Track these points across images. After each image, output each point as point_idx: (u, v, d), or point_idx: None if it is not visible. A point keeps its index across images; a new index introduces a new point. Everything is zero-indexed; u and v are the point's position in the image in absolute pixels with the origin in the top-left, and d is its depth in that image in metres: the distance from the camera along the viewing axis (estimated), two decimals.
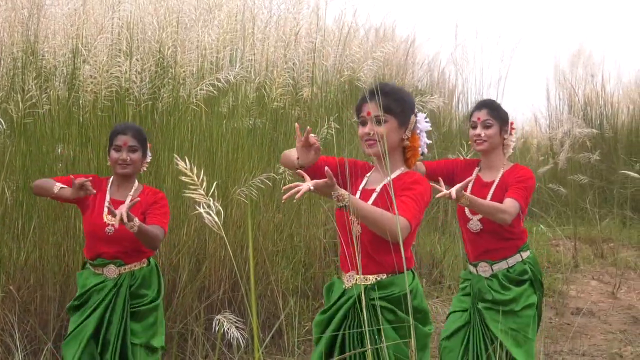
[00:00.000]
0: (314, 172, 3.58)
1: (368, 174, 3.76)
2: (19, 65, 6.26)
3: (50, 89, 6.28)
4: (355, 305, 3.56)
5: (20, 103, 5.92)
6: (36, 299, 5.76)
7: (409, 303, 3.32)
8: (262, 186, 6.04)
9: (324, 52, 8.18)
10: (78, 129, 6.03)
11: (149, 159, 4.82)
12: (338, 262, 7.27)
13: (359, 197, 3.61)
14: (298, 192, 3.26)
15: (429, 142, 3.79)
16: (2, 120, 5.57)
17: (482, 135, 4.66)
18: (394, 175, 3.62)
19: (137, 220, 4.25)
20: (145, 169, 4.86)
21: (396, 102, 3.61)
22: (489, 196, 4.60)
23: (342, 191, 3.34)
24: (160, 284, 4.68)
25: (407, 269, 3.61)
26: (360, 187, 3.72)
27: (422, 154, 3.76)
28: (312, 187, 3.28)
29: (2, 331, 5.53)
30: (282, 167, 6.29)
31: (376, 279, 3.59)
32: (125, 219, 4.17)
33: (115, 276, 4.56)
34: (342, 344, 3.60)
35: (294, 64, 7.74)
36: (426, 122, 3.74)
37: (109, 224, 4.52)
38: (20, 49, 6.31)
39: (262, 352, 5.89)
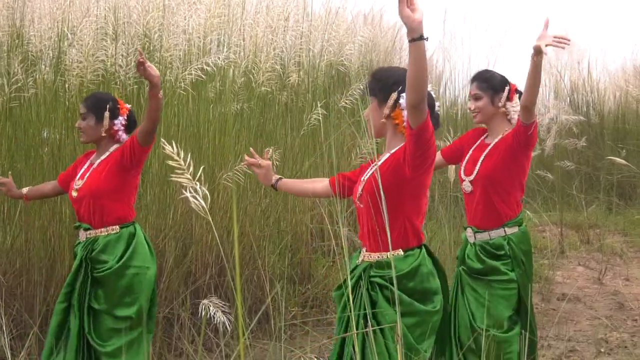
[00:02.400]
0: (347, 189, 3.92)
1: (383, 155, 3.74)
2: (4, 49, 6.22)
3: (36, 72, 6.25)
4: (359, 283, 3.58)
5: (5, 87, 5.89)
6: (22, 283, 5.74)
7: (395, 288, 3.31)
8: (249, 171, 6.02)
9: (311, 38, 8.15)
10: (64, 113, 6.01)
11: (116, 124, 4.74)
12: (324, 248, 7.39)
13: (371, 173, 3.63)
14: None
15: None
16: None
17: (473, 107, 4.68)
18: (392, 150, 3.60)
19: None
20: (120, 133, 4.78)
21: (376, 82, 3.60)
22: (483, 155, 4.57)
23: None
24: (127, 251, 4.60)
25: (417, 246, 3.60)
26: (372, 166, 3.71)
27: None
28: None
29: None
30: (270, 153, 6.28)
31: (378, 257, 3.58)
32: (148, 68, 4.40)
33: (84, 239, 4.63)
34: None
35: (281, 50, 7.70)
36: None
37: (74, 188, 4.69)
38: (5, 32, 6.28)
39: (249, 337, 5.90)
